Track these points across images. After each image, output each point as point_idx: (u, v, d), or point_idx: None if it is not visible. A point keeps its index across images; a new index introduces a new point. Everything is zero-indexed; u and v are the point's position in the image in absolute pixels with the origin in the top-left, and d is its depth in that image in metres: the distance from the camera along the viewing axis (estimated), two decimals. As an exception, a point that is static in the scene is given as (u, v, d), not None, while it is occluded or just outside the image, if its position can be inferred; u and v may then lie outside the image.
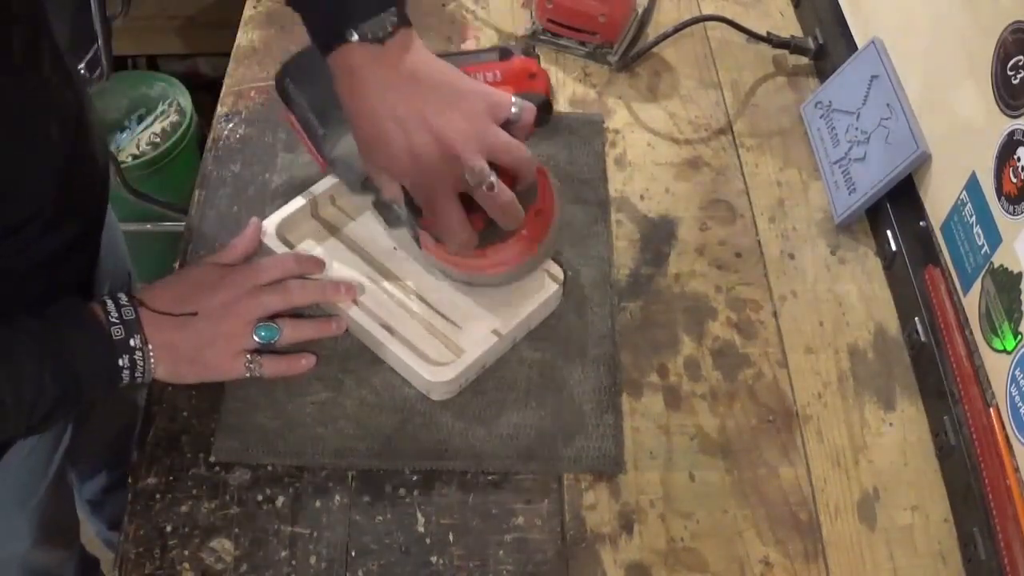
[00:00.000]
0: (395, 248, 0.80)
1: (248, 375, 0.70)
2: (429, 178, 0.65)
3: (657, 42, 0.98)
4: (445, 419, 0.72)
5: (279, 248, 0.77)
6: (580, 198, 0.86)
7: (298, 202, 0.80)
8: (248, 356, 0.70)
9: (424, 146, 0.63)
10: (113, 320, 0.65)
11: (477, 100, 0.65)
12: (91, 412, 0.92)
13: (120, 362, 0.65)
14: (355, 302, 0.75)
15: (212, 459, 0.70)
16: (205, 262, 0.74)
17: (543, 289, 0.76)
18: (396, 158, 0.65)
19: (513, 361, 0.76)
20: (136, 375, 0.66)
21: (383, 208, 0.77)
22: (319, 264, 0.76)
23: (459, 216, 0.66)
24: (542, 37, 1.01)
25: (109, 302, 0.66)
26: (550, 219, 0.73)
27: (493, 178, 0.64)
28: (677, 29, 0.97)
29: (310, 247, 0.80)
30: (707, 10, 1.06)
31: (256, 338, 0.70)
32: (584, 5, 0.96)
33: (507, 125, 0.66)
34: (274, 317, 0.72)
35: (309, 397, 0.73)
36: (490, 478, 0.70)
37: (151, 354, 0.66)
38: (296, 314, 0.74)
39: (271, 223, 0.78)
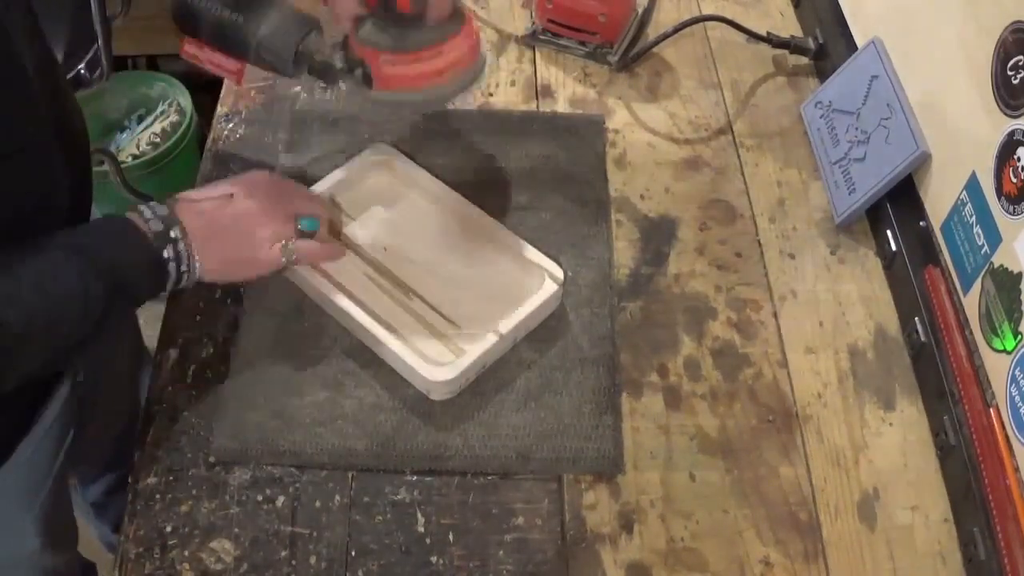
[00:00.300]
0: (384, 249, 0.80)
1: (284, 262, 0.71)
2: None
3: (657, 42, 0.98)
4: (445, 420, 0.72)
5: None
6: (580, 198, 0.86)
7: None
8: (286, 244, 0.71)
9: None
10: (148, 217, 0.65)
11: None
12: (92, 411, 0.92)
13: (165, 254, 0.65)
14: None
15: (212, 459, 0.70)
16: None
17: (543, 289, 0.76)
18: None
19: (512, 362, 0.76)
20: (182, 269, 0.66)
21: (321, 70, 0.75)
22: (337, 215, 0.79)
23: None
24: (542, 37, 1.01)
25: (143, 207, 0.66)
26: (476, 33, 0.73)
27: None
28: (677, 29, 0.97)
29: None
30: (707, 10, 1.06)
31: (300, 226, 0.71)
32: (584, 5, 0.96)
33: None
34: None
35: (308, 397, 0.73)
36: (490, 478, 0.70)
37: (192, 244, 0.66)
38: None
39: None
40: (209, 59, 0.75)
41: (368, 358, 0.75)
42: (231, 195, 0.69)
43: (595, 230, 0.84)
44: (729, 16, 1.00)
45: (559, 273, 0.77)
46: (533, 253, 0.78)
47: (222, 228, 0.68)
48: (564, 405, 0.73)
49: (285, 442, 0.71)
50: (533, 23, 1.01)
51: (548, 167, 0.89)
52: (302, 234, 0.72)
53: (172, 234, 0.65)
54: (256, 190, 0.71)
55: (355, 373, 0.74)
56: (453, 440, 0.71)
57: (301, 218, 0.71)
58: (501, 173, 0.86)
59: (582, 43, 1.00)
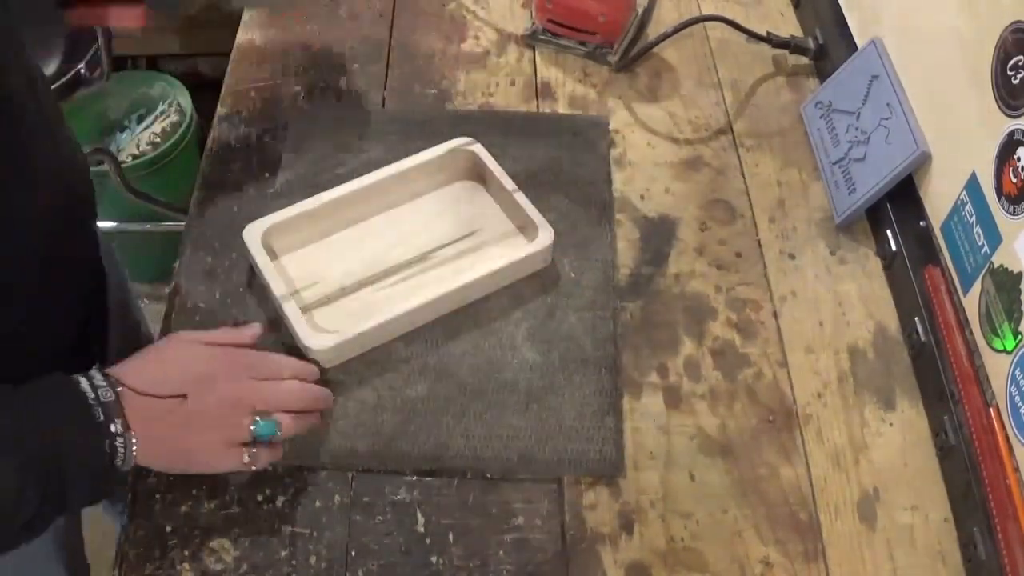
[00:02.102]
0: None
1: (245, 468, 0.64)
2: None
3: (657, 42, 0.98)
4: (445, 420, 0.72)
5: (259, 254, 0.77)
6: (584, 200, 0.86)
7: (289, 211, 0.80)
8: (244, 448, 0.64)
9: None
10: (91, 401, 0.58)
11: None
12: None
13: (103, 445, 0.58)
14: None
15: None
16: (190, 339, 0.67)
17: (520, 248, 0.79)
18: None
19: (515, 363, 0.76)
20: (116, 462, 0.59)
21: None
22: (314, 371, 0.71)
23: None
24: (542, 37, 1.01)
25: (82, 380, 0.59)
26: None
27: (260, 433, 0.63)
28: (677, 29, 0.97)
29: (293, 255, 0.80)
30: (707, 10, 1.06)
31: (258, 436, 0.64)
32: (584, 5, 0.96)
33: None
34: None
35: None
36: (490, 478, 0.70)
37: (133, 440, 0.59)
38: None
39: (258, 228, 0.78)
40: (100, 16, 0.69)
41: (368, 359, 0.75)
42: (184, 396, 0.62)
43: (598, 232, 0.84)
44: (729, 16, 1.00)
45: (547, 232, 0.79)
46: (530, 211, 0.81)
47: (169, 433, 0.62)
48: (566, 407, 0.73)
49: (286, 442, 0.70)
50: (533, 23, 1.01)
51: (551, 169, 0.89)
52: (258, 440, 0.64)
53: (113, 428, 0.58)
54: (214, 385, 0.63)
55: (357, 373, 0.74)
56: (455, 441, 0.71)
57: (258, 423, 0.63)
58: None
59: (582, 43, 1.00)
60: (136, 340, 0.99)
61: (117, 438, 0.58)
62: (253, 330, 0.71)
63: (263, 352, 0.69)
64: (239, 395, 0.64)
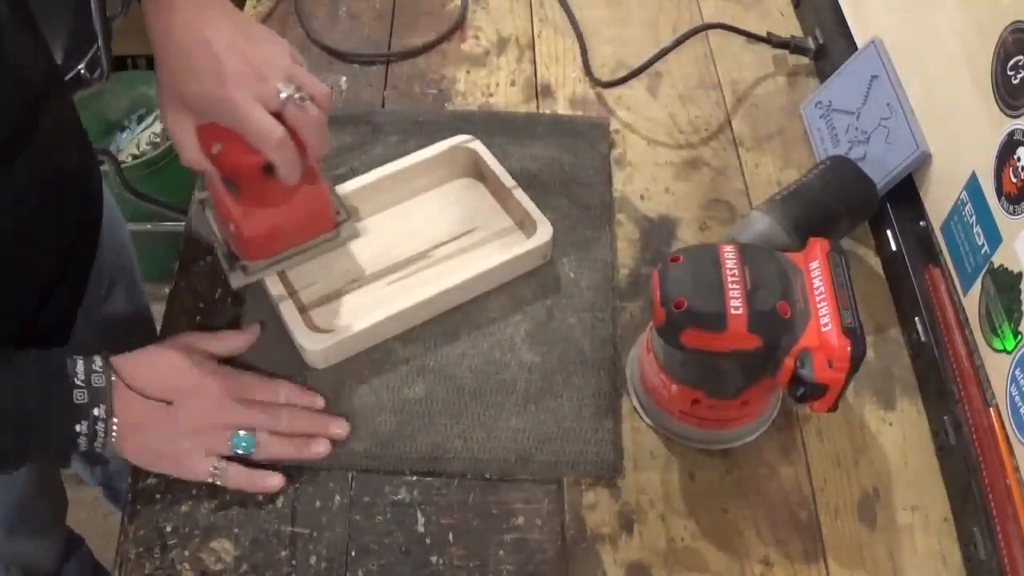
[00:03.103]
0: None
1: (210, 480, 0.66)
2: (239, 93, 0.62)
3: (657, 58, 0.96)
4: (443, 421, 0.72)
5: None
6: (584, 202, 0.86)
7: None
8: (216, 462, 0.66)
9: (235, 65, 0.62)
10: (79, 383, 0.62)
11: (280, 40, 0.66)
12: None
13: (77, 428, 0.61)
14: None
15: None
16: (192, 345, 0.70)
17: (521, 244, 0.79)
18: (205, 80, 0.63)
19: (513, 364, 0.76)
20: (95, 445, 0.62)
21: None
22: (315, 400, 0.72)
23: (270, 118, 0.63)
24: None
25: (80, 363, 0.63)
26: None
27: (302, 94, 0.63)
28: (678, 43, 0.96)
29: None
30: (707, 9, 1.06)
31: (233, 448, 0.66)
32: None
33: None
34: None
35: (309, 398, 0.73)
36: (489, 478, 0.70)
37: (114, 429, 0.62)
38: None
39: None
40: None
41: (368, 359, 0.75)
42: (170, 402, 0.65)
43: (599, 233, 0.84)
44: (729, 15, 1.00)
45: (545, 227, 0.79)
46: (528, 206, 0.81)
47: (150, 433, 0.65)
48: (564, 408, 0.73)
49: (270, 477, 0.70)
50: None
51: (552, 169, 0.89)
52: (235, 455, 0.67)
53: (95, 412, 0.62)
54: (199, 401, 0.66)
55: (356, 374, 0.74)
56: (452, 443, 0.71)
57: (236, 436, 0.66)
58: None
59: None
60: (133, 286, 1.00)
61: (98, 422, 0.61)
62: (251, 333, 0.74)
63: (260, 377, 0.72)
64: (219, 416, 0.66)
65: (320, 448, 0.69)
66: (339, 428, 0.70)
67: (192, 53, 0.62)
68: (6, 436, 0.61)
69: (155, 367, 0.67)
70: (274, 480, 0.68)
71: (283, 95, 0.63)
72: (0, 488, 0.87)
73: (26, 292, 0.72)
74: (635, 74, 0.97)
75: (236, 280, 0.74)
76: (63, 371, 0.62)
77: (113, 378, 0.63)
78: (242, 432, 0.67)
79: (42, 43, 0.70)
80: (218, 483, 0.67)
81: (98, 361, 0.63)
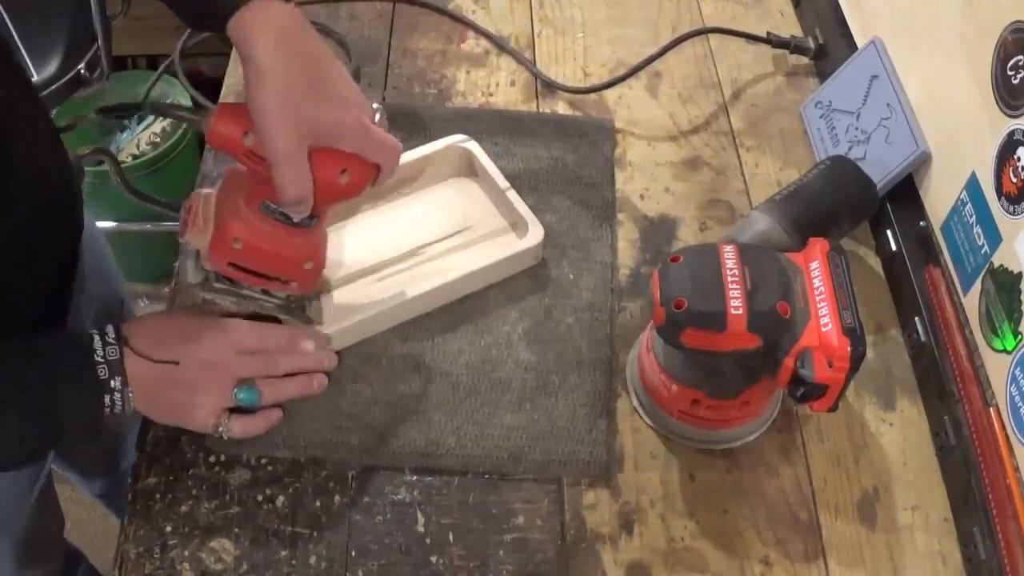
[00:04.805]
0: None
1: (215, 433, 0.68)
2: (308, 129, 0.60)
3: (654, 58, 0.96)
4: (438, 418, 0.72)
5: None
6: (586, 202, 0.86)
7: None
8: (220, 416, 0.68)
9: (348, 91, 0.63)
10: (98, 359, 0.64)
11: (360, 96, 0.65)
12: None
13: (103, 400, 0.64)
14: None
15: (209, 451, 0.70)
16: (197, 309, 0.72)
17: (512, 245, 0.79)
18: (329, 104, 0.61)
19: (510, 363, 0.76)
20: (116, 411, 0.65)
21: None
22: (311, 342, 0.73)
23: (308, 170, 0.61)
24: (216, 285, 0.70)
25: (96, 338, 0.64)
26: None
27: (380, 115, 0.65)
28: (672, 44, 0.95)
29: None
30: (707, 9, 1.06)
31: (236, 400, 0.68)
32: (285, 249, 0.68)
33: None
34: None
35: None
36: (490, 478, 0.70)
37: (130, 395, 0.65)
38: None
39: None
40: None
41: (365, 354, 0.75)
42: (176, 363, 0.67)
43: (599, 234, 0.84)
44: (729, 15, 1.00)
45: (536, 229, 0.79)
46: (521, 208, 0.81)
47: (161, 392, 0.67)
48: (559, 408, 0.73)
49: (279, 434, 0.71)
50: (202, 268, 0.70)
51: (555, 169, 0.89)
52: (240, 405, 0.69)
53: (113, 383, 0.64)
54: (202, 358, 0.68)
55: (352, 367, 0.75)
56: (446, 439, 0.71)
57: (239, 389, 0.68)
58: (506, 174, 0.86)
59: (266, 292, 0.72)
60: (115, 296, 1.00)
61: (115, 392, 0.64)
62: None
63: (257, 325, 0.72)
64: (222, 366, 0.69)
65: (319, 383, 0.72)
66: (331, 361, 0.73)
67: (311, 77, 0.60)
68: (40, 425, 0.62)
69: (160, 330, 0.69)
70: (277, 413, 0.71)
71: (377, 116, 0.65)
72: (9, 521, 0.87)
73: (28, 292, 0.72)
74: (631, 74, 0.96)
75: (195, 277, 0.69)
76: (91, 350, 0.64)
77: (124, 348, 0.65)
78: (242, 386, 0.68)
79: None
80: (223, 436, 0.69)
81: (111, 332, 0.65)
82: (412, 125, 0.91)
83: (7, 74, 0.66)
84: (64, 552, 1.10)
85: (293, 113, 0.59)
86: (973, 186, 0.72)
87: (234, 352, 0.69)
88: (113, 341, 0.65)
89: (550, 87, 0.98)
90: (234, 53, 0.99)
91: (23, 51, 0.69)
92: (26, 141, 0.68)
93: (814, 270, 0.64)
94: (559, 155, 0.90)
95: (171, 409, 0.68)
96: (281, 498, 0.69)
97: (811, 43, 0.99)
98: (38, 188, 0.71)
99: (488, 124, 0.92)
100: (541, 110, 0.96)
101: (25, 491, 0.87)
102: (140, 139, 1.67)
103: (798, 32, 1.02)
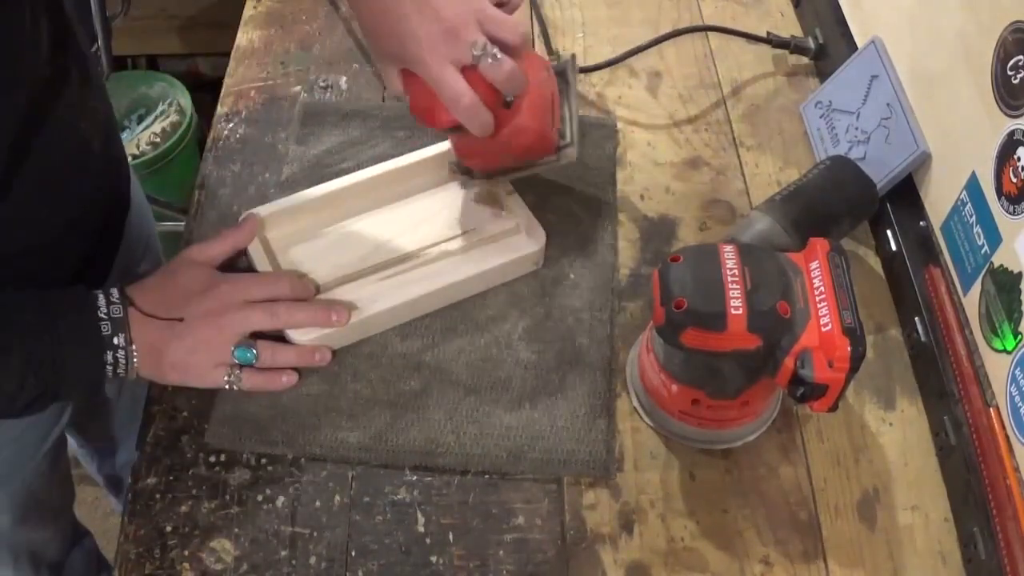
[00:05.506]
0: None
1: (227, 387, 0.71)
2: (432, 56, 0.66)
3: (650, 45, 0.96)
4: (438, 417, 0.72)
5: (254, 246, 0.77)
6: (588, 202, 0.86)
7: (284, 202, 0.80)
8: (228, 368, 0.70)
9: (427, 27, 0.66)
10: (102, 316, 0.66)
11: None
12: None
13: (105, 357, 0.66)
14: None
15: (209, 451, 0.70)
16: (194, 259, 0.74)
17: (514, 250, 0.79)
18: (403, 42, 0.67)
19: (509, 362, 0.76)
20: (119, 371, 0.67)
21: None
22: (311, 290, 0.76)
23: (463, 83, 0.67)
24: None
25: (100, 296, 0.67)
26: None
27: (495, 49, 0.66)
28: (666, 37, 0.96)
29: (287, 248, 0.80)
30: (707, 9, 1.06)
31: (236, 360, 0.70)
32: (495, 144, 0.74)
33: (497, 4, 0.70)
34: (259, 335, 0.72)
35: (304, 389, 0.73)
36: (490, 478, 0.70)
37: (134, 354, 0.67)
38: (279, 336, 0.73)
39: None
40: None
41: (366, 352, 0.75)
42: (181, 319, 0.69)
43: (600, 234, 0.84)
44: (729, 15, 1.00)
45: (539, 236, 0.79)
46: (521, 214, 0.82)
47: (167, 350, 0.69)
48: (559, 407, 0.73)
49: (278, 431, 0.71)
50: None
51: (557, 169, 0.88)
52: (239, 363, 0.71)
53: (116, 341, 0.66)
54: (206, 314, 0.70)
55: (352, 365, 0.75)
56: (445, 437, 0.71)
57: (237, 346, 0.70)
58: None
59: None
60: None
61: (119, 350, 0.66)
62: (247, 224, 0.78)
63: (259, 276, 0.75)
64: (224, 318, 0.70)
65: (322, 356, 0.73)
66: (339, 316, 0.73)
67: (387, 15, 0.67)
68: (41, 375, 0.64)
69: (164, 288, 0.71)
70: (291, 378, 0.73)
71: (476, 52, 0.66)
72: (10, 475, 0.88)
73: (59, 262, 0.74)
74: (625, 57, 0.97)
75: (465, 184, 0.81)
76: (95, 307, 0.66)
77: (129, 308, 0.67)
78: (241, 344, 0.70)
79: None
80: (235, 387, 0.71)
81: (115, 293, 0.67)
82: (415, 126, 0.91)
83: (65, 47, 0.68)
84: (71, 523, 1.10)
85: (384, 54, 0.70)
86: (973, 186, 0.72)
87: (237, 303, 0.71)
88: (117, 300, 0.67)
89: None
90: (234, 53, 0.99)
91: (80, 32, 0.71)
92: (74, 113, 0.69)
93: (814, 270, 0.64)
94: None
95: (177, 368, 0.69)
96: (281, 498, 0.69)
97: (811, 43, 0.99)
98: (82, 161, 0.72)
99: None
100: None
101: (29, 451, 0.87)
102: (140, 139, 1.67)
103: (798, 32, 1.02)
